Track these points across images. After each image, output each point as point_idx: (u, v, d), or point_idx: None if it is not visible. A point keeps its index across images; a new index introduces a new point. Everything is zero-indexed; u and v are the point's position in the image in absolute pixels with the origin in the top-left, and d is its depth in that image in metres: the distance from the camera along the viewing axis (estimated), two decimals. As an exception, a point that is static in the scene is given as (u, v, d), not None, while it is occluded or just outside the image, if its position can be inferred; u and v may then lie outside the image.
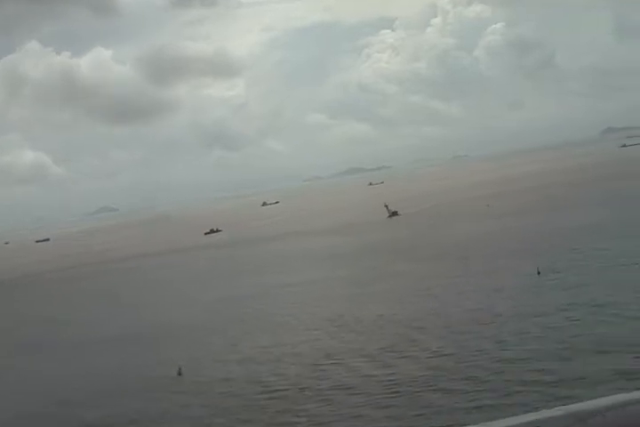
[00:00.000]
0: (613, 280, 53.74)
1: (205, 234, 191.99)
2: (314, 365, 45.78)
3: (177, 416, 40.46)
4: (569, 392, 31.62)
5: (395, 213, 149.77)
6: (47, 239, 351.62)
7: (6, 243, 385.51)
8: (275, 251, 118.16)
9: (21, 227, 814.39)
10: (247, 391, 42.34)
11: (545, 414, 3.68)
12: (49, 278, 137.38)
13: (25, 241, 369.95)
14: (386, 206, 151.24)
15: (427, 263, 78.03)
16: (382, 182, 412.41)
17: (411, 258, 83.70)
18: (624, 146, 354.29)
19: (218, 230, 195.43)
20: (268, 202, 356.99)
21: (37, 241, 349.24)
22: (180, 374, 48.56)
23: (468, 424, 4.52)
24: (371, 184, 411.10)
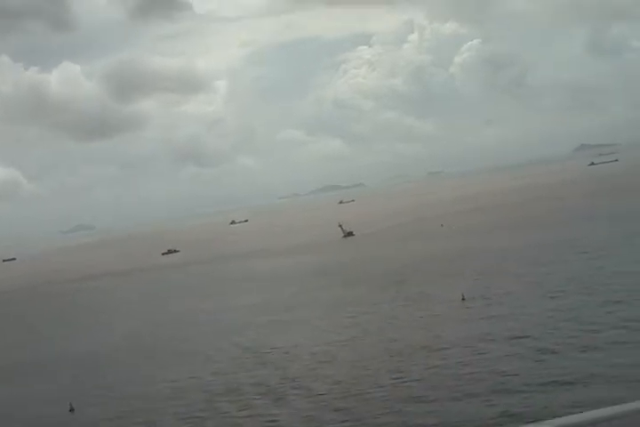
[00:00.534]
0: (534, 311, 51.92)
1: (163, 254, 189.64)
2: (209, 401, 43.34)
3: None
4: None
5: (350, 234, 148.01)
6: (13, 259, 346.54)
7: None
8: (218, 273, 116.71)
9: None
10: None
11: None
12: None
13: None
14: (340, 227, 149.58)
15: (360, 288, 76.00)
16: (353, 200, 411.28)
17: (347, 282, 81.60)
18: (592, 164, 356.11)
19: (175, 251, 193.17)
20: (236, 220, 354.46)
21: (4, 260, 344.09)
22: (71, 410, 45.94)
23: None
24: (341, 202, 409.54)
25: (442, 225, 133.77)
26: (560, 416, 3.83)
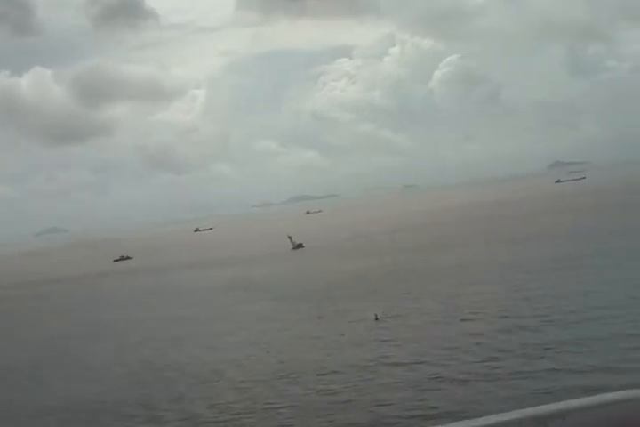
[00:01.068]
0: (441, 334, 49.83)
1: (115, 261, 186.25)
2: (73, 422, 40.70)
3: None
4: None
5: (300, 246, 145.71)
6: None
7: None
8: (160, 282, 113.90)
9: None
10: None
11: (503, 417, 3.63)
12: None
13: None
14: (289, 238, 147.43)
15: (284, 303, 73.66)
16: (320, 211, 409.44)
17: (275, 296, 79.06)
18: (559, 181, 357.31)
19: (128, 257, 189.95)
20: (201, 228, 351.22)
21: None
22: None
23: None
24: (308, 213, 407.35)
25: (391, 239, 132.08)
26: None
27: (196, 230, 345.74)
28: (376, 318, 57.73)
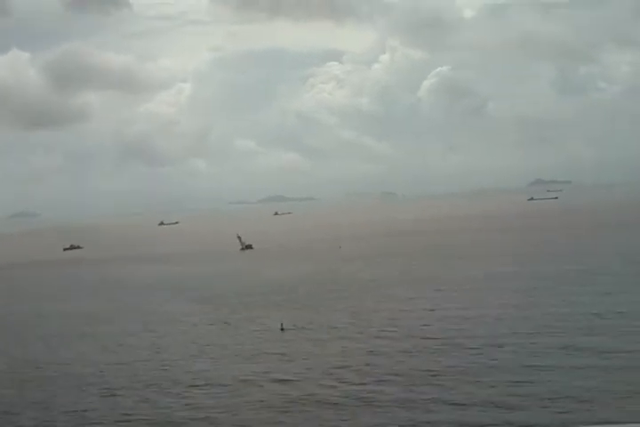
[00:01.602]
0: (329, 352, 47.41)
1: (64, 250, 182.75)
2: None
3: None
4: None
5: (249, 247, 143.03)
6: None
7: None
8: (99, 275, 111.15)
9: None
10: None
11: None
12: None
13: None
14: (239, 238, 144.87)
15: (201, 305, 71.02)
16: (290, 213, 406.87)
17: (201, 297, 76.36)
18: (531, 199, 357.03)
19: (78, 247, 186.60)
20: (165, 222, 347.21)
21: None
22: None
23: None
24: (276, 214, 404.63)
25: (340, 247, 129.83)
26: None
27: (161, 224, 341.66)
28: (281, 329, 55.17)
